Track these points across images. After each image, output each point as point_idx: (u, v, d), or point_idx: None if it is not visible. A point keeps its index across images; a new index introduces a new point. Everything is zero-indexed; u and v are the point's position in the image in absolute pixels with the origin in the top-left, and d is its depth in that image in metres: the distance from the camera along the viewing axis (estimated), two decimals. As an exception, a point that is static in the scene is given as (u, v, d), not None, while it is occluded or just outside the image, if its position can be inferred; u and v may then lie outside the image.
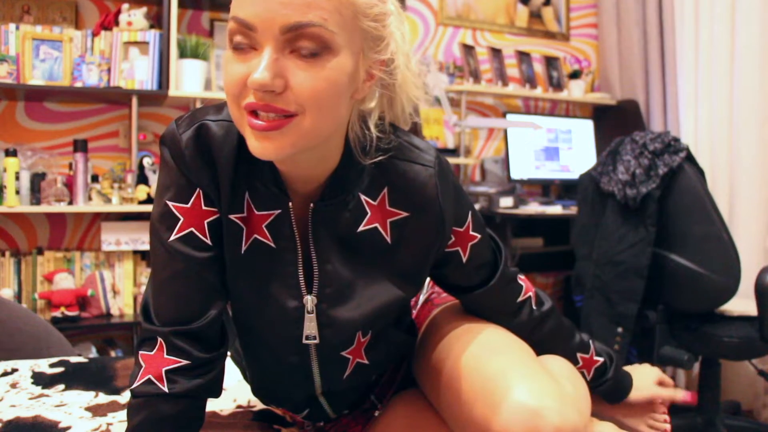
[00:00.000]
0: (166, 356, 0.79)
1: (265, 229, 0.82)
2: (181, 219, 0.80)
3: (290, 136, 0.70)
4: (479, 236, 0.92)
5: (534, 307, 0.99)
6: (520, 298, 0.98)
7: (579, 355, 1.05)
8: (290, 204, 0.81)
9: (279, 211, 0.81)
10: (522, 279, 1.00)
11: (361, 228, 0.84)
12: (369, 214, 0.84)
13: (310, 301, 0.84)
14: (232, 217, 0.81)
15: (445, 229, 0.87)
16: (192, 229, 0.80)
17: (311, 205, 0.82)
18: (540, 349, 0.99)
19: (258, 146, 0.70)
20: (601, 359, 1.08)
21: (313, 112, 0.70)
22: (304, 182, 0.81)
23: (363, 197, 0.83)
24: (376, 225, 0.84)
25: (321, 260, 0.83)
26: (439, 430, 0.94)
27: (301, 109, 0.69)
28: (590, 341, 1.08)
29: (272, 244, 0.83)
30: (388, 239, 0.85)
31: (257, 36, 0.68)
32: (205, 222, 0.81)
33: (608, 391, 1.10)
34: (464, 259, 0.91)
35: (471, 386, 0.84)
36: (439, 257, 0.90)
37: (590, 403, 0.99)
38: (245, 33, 0.68)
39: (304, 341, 0.86)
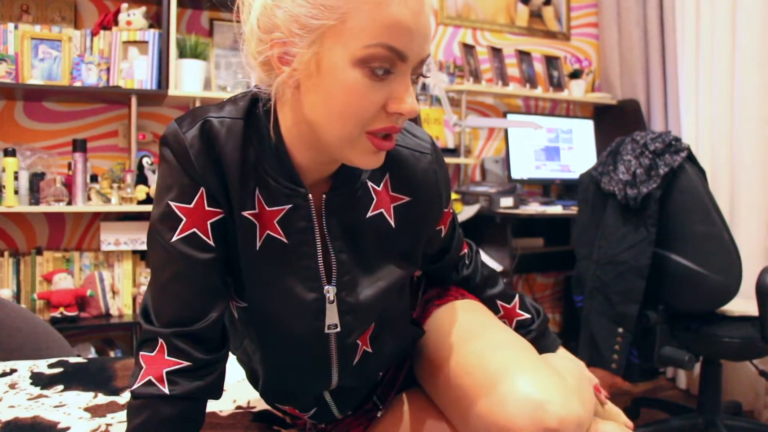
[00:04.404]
0: (166, 357, 0.79)
1: (276, 224, 0.82)
2: (184, 219, 0.79)
3: None
4: (452, 211, 1.02)
5: (467, 261, 1.10)
6: (462, 253, 1.09)
7: (499, 303, 1.10)
8: (310, 197, 0.81)
9: (290, 205, 0.81)
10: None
11: (369, 214, 0.86)
12: (375, 199, 0.87)
13: (331, 291, 0.85)
14: (245, 214, 0.81)
15: (442, 211, 0.95)
16: (195, 229, 0.79)
17: (323, 195, 0.83)
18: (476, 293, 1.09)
19: (373, 161, 0.77)
20: (527, 315, 1.10)
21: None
22: (318, 174, 0.82)
23: (369, 183, 0.86)
24: (382, 210, 0.87)
25: (336, 249, 0.85)
26: (441, 429, 0.94)
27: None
28: (517, 295, 1.12)
29: (284, 239, 0.82)
30: (392, 223, 0.88)
31: (402, 65, 0.72)
32: (208, 223, 0.80)
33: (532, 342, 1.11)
34: (443, 234, 1.01)
35: (474, 381, 0.85)
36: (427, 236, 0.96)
37: (594, 401, 0.99)
38: (393, 61, 0.71)
39: (326, 331, 0.87)
